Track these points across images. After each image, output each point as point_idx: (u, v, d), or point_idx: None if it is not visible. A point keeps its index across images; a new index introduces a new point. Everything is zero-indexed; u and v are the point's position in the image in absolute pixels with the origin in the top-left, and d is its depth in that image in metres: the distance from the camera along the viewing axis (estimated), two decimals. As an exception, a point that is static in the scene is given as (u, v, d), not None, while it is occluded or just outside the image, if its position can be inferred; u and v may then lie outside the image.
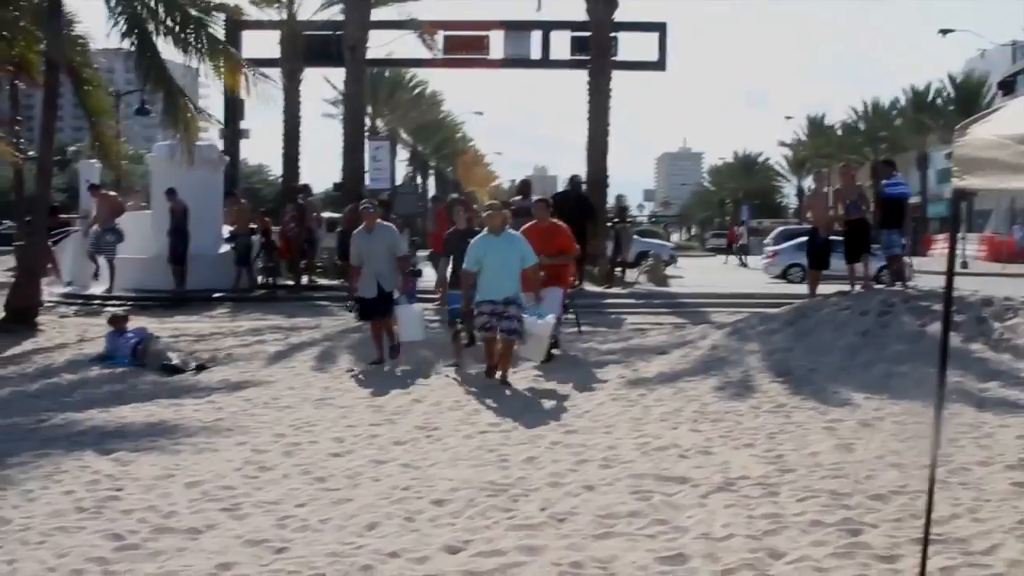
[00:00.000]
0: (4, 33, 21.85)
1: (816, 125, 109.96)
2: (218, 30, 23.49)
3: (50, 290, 26.13)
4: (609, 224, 31.95)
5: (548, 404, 13.77)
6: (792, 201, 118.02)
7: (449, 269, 17.05)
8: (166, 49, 22.40)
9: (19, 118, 32.48)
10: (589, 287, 28.14)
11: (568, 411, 13.19)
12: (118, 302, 25.50)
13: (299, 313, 23.82)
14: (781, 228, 55.26)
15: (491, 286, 14.91)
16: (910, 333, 15.86)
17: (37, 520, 8.33)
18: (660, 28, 36.11)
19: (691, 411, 12.99)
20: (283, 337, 19.98)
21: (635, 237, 40.59)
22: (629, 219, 37.50)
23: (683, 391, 14.34)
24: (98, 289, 27.04)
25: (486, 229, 15.41)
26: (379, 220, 17.80)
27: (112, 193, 28.38)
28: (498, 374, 15.09)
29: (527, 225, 17.10)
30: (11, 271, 28.48)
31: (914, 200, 64.00)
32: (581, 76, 34.45)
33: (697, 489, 9.10)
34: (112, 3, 21.59)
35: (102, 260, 27.26)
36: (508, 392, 14.61)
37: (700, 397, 13.92)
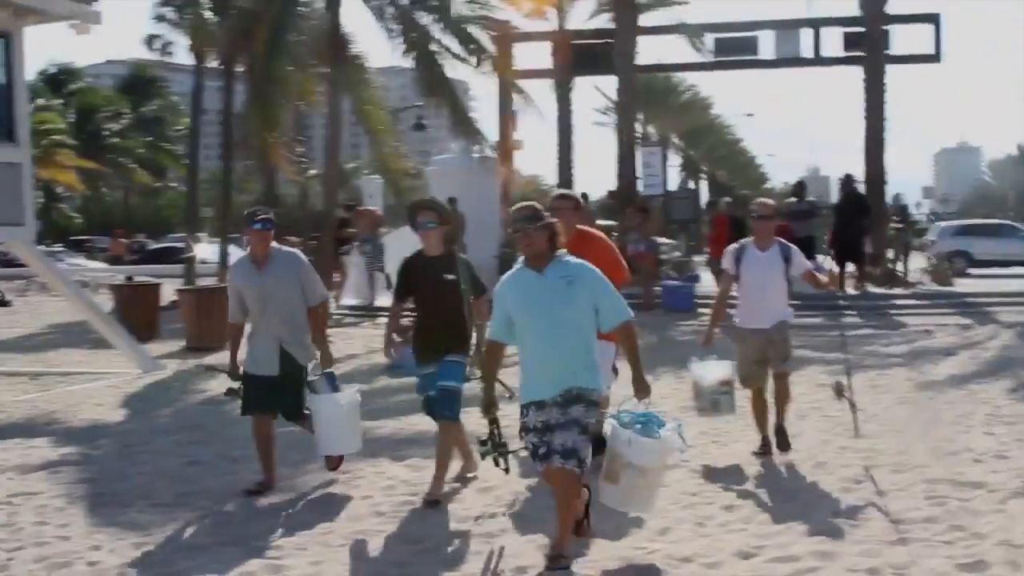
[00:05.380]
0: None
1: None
2: (491, 44, 23.91)
3: (338, 303, 26.85)
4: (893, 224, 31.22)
5: (833, 410, 13.41)
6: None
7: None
8: (443, 65, 22.88)
9: (301, 139, 33.86)
10: (871, 288, 27.59)
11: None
12: (406, 313, 25.96)
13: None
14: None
15: (539, 373, 7.28)
16: None
17: (338, 524, 8.66)
18: (934, 19, 35.07)
19: (983, 414, 12.59)
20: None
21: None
22: (910, 217, 36.43)
23: (974, 393, 13.93)
24: (384, 300, 27.60)
25: (519, 259, 7.53)
26: (276, 244, 9.88)
27: (371, 208, 29.06)
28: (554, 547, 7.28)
29: None
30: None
31: None
32: (854, 73, 33.76)
33: (994, 495, 8.83)
34: (391, 26, 22.17)
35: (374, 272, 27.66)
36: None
37: (992, 400, 13.49)
